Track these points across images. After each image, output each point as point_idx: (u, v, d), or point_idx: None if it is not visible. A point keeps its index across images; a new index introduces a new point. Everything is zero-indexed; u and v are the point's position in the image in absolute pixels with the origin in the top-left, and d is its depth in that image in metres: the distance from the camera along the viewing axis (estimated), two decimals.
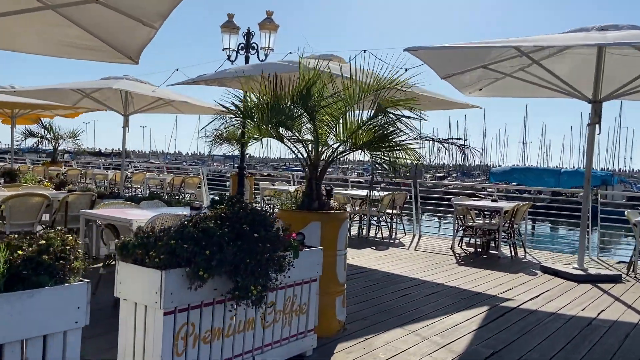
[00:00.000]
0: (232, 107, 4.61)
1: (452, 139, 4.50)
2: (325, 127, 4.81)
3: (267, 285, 3.30)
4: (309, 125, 4.84)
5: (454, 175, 55.90)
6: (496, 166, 61.74)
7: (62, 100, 13.58)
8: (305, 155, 4.80)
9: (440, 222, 17.40)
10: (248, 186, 12.82)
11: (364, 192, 11.45)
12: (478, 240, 9.66)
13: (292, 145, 4.94)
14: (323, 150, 4.82)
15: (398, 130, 4.43)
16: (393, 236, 10.83)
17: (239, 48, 12.05)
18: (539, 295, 6.51)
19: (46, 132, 18.14)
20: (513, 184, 31.52)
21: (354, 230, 10.99)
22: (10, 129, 16.15)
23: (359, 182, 20.37)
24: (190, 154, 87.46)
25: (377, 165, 4.51)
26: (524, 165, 65.60)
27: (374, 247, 9.55)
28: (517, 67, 8.14)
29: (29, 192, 6.64)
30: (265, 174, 26.30)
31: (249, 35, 12.03)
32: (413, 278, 7.15)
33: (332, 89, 4.83)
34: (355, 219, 11.12)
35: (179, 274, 3.07)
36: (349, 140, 4.71)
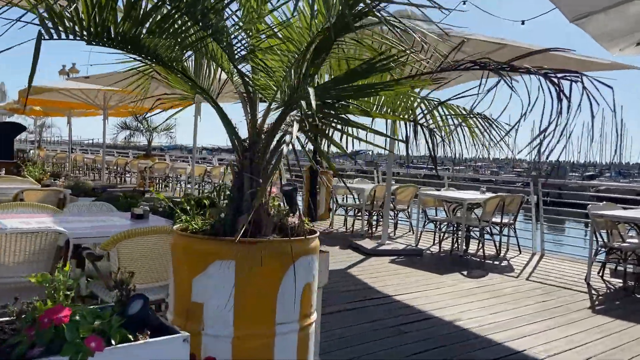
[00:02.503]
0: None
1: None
2: (272, 66, 2.35)
3: None
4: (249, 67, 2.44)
5: (607, 174, 48.46)
6: None
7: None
8: (232, 127, 2.38)
9: (584, 239, 13.23)
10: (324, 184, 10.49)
11: (467, 194, 8.60)
12: (629, 268, 6.42)
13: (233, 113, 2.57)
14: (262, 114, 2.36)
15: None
16: (501, 255, 7.85)
17: None
18: None
19: (139, 125, 17.59)
20: None
21: (446, 245, 8.17)
22: (102, 122, 15.72)
23: (476, 179, 16.79)
24: None
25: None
26: None
27: (465, 273, 6.68)
28: None
29: None
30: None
31: None
32: (504, 342, 4.31)
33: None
34: (449, 230, 8.29)
35: None
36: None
